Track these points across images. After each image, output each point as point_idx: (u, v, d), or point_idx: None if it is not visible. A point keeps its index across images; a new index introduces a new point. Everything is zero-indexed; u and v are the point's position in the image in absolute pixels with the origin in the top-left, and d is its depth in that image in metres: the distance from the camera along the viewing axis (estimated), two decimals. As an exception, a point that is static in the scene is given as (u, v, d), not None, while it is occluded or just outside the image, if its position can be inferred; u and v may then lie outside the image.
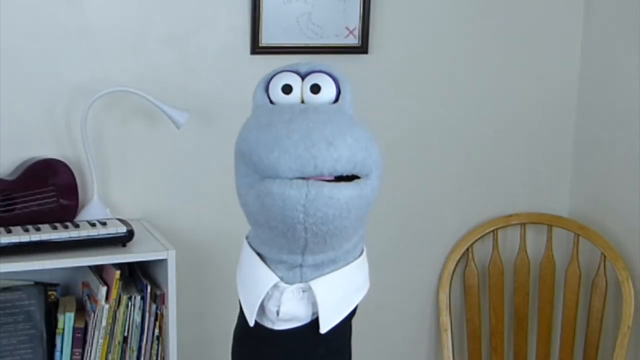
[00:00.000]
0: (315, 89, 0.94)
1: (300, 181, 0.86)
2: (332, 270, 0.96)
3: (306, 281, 0.96)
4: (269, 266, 0.96)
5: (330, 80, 0.95)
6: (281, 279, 0.96)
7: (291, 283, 0.96)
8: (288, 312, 0.96)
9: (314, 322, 0.97)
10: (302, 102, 0.95)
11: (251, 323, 0.97)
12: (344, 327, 0.99)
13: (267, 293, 0.96)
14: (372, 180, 0.91)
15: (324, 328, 0.96)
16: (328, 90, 0.95)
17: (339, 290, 0.97)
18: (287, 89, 0.95)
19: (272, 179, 0.87)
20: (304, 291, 0.96)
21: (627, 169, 2.55)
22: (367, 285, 1.01)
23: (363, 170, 0.90)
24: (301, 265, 0.95)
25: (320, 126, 0.87)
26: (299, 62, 0.98)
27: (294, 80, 0.95)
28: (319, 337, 0.97)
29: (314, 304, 0.96)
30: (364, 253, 1.00)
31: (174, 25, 2.27)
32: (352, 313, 1.00)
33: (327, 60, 2.36)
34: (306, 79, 0.95)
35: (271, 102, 0.96)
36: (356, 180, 0.89)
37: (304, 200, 0.86)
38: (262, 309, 0.97)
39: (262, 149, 0.88)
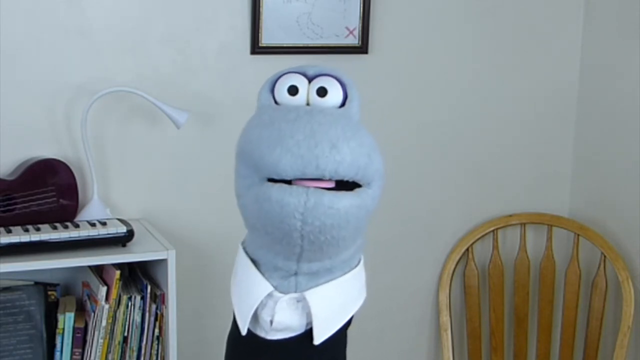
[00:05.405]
0: (322, 92, 0.92)
1: (300, 188, 0.84)
2: (328, 280, 0.94)
3: (301, 291, 0.94)
4: (263, 274, 0.94)
5: (338, 84, 0.93)
6: (275, 288, 0.94)
7: (286, 292, 0.94)
8: (282, 322, 0.94)
9: (308, 333, 0.95)
10: (308, 104, 0.93)
11: (243, 332, 0.96)
12: (339, 337, 0.97)
13: (261, 302, 0.94)
14: (373, 190, 0.89)
15: (318, 339, 0.94)
16: (335, 94, 0.93)
17: (334, 301, 0.95)
18: (293, 91, 0.93)
19: (271, 184, 0.86)
20: (298, 301, 0.94)
21: (627, 169, 2.55)
22: (364, 296, 0.99)
23: (365, 178, 0.88)
24: (296, 273, 0.93)
25: (325, 128, 0.86)
26: (306, 64, 0.97)
27: (300, 82, 0.93)
28: (312, 347, 0.95)
29: (309, 314, 0.94)
30: (361, 262, 0.98)
31: (174, 25, 2.27)
32: (348, 323, 0.98)
33: (327, 60, 2.38)
34: (313, 82, 0.94)
35: (276, 102, 0.94)
36: (357, 189, 0.87)
37: (302, 208, 0.84)
38: (255, 317, 0.96)
39: (264, 147, 0.86)
